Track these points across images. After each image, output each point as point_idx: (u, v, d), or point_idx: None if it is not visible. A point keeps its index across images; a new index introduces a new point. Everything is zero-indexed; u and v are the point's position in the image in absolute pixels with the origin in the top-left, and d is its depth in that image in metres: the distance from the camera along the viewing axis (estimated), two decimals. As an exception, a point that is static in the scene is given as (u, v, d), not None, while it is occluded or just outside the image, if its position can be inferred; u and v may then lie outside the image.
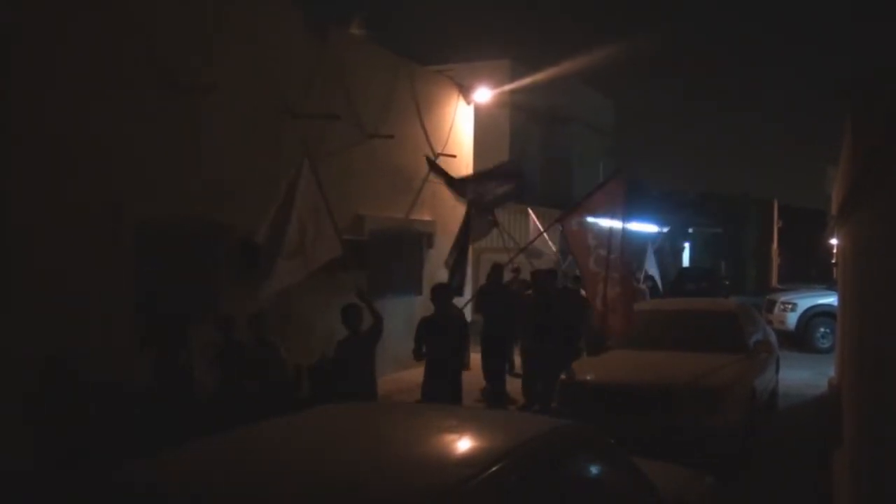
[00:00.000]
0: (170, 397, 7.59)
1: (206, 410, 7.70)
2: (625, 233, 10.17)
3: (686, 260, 41.68)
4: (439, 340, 9.03)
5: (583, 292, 11.84)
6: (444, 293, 9.48)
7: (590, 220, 10.23)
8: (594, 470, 3.75)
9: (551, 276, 12.42)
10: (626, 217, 10.24)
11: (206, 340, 8.45)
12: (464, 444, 3.48)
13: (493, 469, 3.00)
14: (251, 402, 7.61)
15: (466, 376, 9.70)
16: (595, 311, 9.86)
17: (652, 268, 22.18)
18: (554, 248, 17.36)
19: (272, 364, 8.31)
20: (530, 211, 18.27)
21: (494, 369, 12.23)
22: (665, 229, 32.15)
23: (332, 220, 8.85)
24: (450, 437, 3.55)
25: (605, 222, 10.32)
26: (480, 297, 12.98)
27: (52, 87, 8.38)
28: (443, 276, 13.31)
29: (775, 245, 56.76)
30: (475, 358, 12.69)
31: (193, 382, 8.06)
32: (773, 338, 12.42)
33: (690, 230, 40.86)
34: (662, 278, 23.65)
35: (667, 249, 33.94)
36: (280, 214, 8.56)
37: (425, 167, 15.82)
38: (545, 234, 14.13)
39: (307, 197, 8.67)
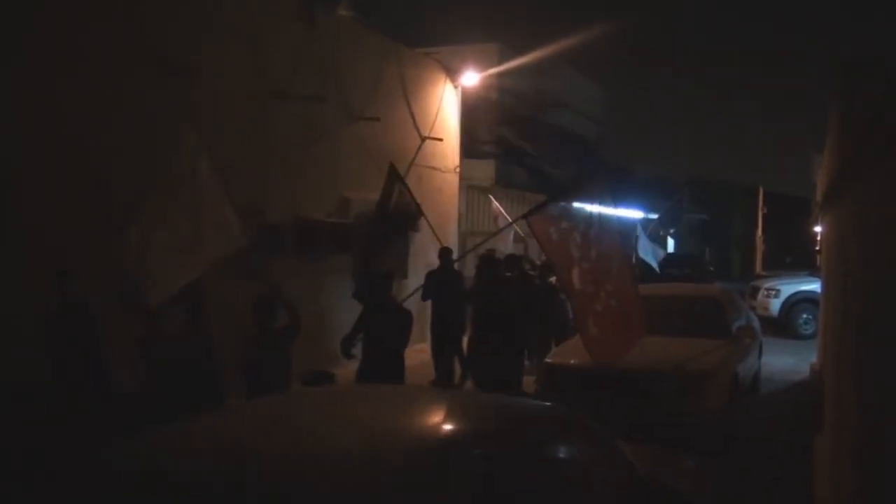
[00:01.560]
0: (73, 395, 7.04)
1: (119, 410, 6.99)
2: (612, 230, 9.02)
3: (671, 246, 41.74)
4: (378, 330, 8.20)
5: (553, 279, 11.76)
6: (381, 282, 8.57)
7: (569, 224, 8.61)
8: (576, 452, 3.77)
9: (495, 262, 11.53)
10: (613, 205, 9.28)
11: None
12: (445, 427, 3.48)
13: (475, 451, 3.01)
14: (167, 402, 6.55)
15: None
16: (586, 337, 8.28)
17: (646, 254, 21.99)
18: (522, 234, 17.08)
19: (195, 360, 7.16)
20: (492, 198, 18.18)
21: (443, 356, 11.65)
22: (654, 216, 32.14)
23: (232, 208, 7.93)
24: (432, 420, 3.55)
25: (590, 223, 8.81)
26: (428, 282, 12.11)
27: (34, 67, 8.31)
28: (431, 260, 13.30)
29: (760, 232, 57.00)
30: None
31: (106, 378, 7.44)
32: (756, 323, 12.48)
33: (657, 215, 40.84)
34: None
35: (657, 236, 33.94)
36: (162, 208, 7.49)
37: (412, 150, 15.82)
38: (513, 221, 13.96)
39: (198, 184, 7.64)
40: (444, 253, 12.31)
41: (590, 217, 8.82)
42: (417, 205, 11.95)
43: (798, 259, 52.49)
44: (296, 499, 2.66)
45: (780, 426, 10.22)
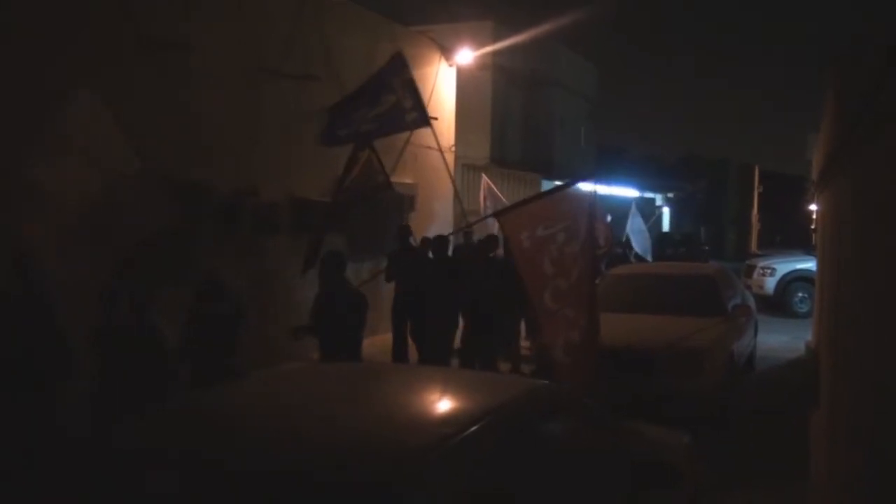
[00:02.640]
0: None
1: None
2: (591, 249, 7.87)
3: (666, 225, 41.83)
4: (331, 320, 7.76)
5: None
6: (333, 263, 7.90)
7: (547, 232, 7.46)
8: (572, 430, 3.77)
9: (443, 240, 10.90)
10: (591, 235, 7.87)
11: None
12: (442, 405, 3.48)
13: (472, 429, 3.00)
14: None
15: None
16: (556, 363, 7.38)
17: (636, 234, 21.77)
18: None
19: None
20: (484, 177, 18.03)
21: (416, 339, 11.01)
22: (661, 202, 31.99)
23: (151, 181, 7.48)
24: (429, 398, 3.55)
25: (575, 234, 7.60)
26: (390, 263, 11.56)
27: (19, 39, 8.23)
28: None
29: (755, 210, 57.08)
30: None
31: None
32: (751, 302, 12.52)
33: (670, 195, 40.93)
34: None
35: (655, 216, 33.86)
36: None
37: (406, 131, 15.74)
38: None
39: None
40: (403, 232, 11.76)
41: (574, 224, 7.53)
42: (385, 175, 11.00)
43: (789, 238, 52.70)
44: (306, 476, 2.66)
45: (775, 403, 10.26)
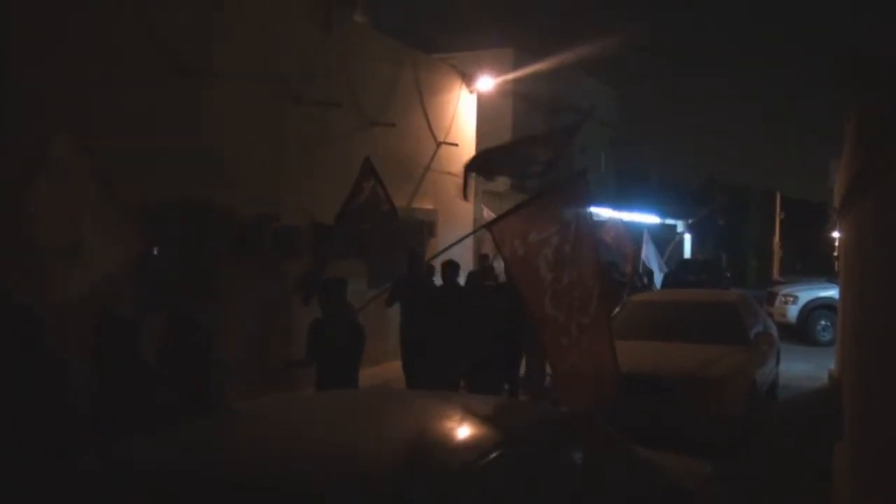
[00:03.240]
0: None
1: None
2: (590, 245, 7.43)
3: (687, 251, 41.62)
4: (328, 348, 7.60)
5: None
6: (333, 290, 7.79)
7: (540, 237, 7.11)
8: (591, 457, 3.74)
9: (453, 266, 10.65)
10: (590, 223, 7.55)
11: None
12: (462, 431, 3.47)
13: (491, 455, 2.99)
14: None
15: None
16: (559, 376, 7.18)
17: (652, 261, 21.74)
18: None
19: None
20: (483, 206, 17.94)
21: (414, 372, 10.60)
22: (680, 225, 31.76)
23: (117, 209, 7.24)
24: (448, 424, 3.54)
25: (565, 236, 7.22)
26: (393, 288, 11.06)
27: (50, 67, 8.34)
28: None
29: (777, 237, 56.71)
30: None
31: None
32: (774, 330, 12.43)
33: (690, 221, 40.71)
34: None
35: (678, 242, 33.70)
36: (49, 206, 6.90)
37: (428, 156, 15.83)
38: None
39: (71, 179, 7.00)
40: (412, 258, 11.33)
41: (566, 226, 7.18)
42: (391, 204, 10.78)
43: (809, 265, 52.29)
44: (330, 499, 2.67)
45: (797, 433, 10.15)
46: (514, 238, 7.09)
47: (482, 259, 13.57)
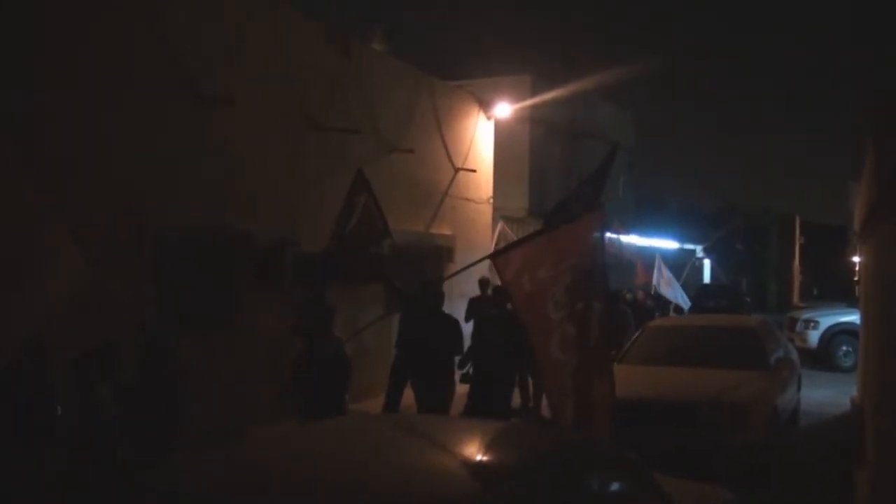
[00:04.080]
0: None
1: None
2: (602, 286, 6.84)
3: (706, 276, 41.45)
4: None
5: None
6: (321, 318, 7.68)
7: (550, 273, 6.51)
8: (612, 484, 3.73)
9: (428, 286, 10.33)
10: (602, 270, 6.87)
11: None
12: (480, 456, 3.46)
13: (509, 481, 2.99)
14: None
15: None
16: (562, 420, 6.52)
17: (665, 286, 21.50)
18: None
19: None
20: (501, 222, 17.96)
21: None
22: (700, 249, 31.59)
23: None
24: (466, 449, 3.53)
25: (575, 276, 6.57)
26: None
27: (74, 96, 8.45)
28: (470, 289, 13.24)
29: (797, 262, 56.40)
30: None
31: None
32: (794, 355, 12.33)
33: (706, 245, 40.56)
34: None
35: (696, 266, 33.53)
36: None
37: (446, 182, 15.87)
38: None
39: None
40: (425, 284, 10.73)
41: (579, 264, 6.56)
42: (384, 221, 10.26)
43: (827, 290, 51.90)
44: None
45: (820, 460, 10.05)
46: (521, 272, 6.53)
47: (482, 285, 13.25)
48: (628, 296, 18.09)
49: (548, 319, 6.46)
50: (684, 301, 21.66)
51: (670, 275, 21.90)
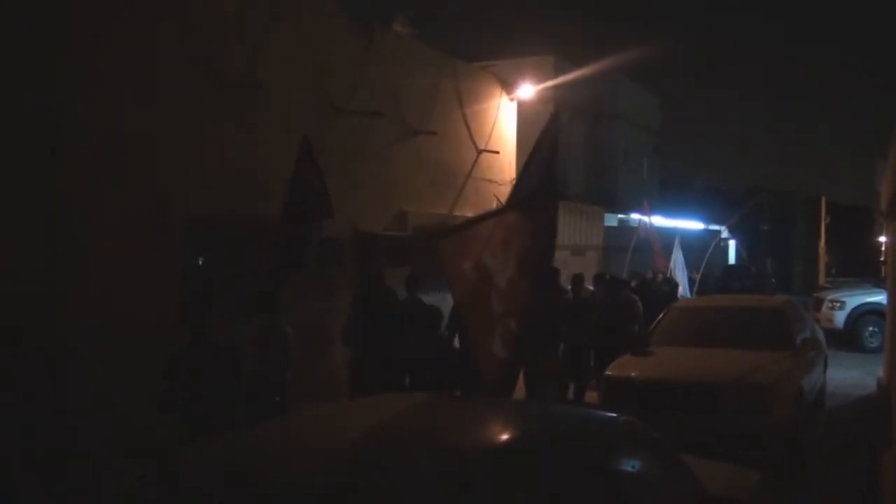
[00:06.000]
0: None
1: None
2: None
3: (732, 257, 41.22)
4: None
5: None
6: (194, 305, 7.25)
7: (496, 262, 6.05)
8: (639, 463, 3.76)
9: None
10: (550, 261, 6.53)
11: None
12: (511, 435, 3.50)
13: (543, 460, 3.03)
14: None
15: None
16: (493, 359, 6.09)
17: (678, 269, 21.36)
18: None
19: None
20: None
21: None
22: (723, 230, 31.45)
23: None
24: (494, 428, 3.57)
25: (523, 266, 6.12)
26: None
27: (99, 83, 8.51)
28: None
29: (822, 242, 55.93)
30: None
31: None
32: (821, 336, 12.27)
33: (728, 223, 40.30)
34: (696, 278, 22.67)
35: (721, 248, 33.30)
36: None
37: (468, 163, 15.87)
38: None
39: None
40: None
41: (531, 250, 6.07)
42: (326, 194, 9.48)
43: (849, 271, 51.50)
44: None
45: (845, 441, 10.03)
46: (464, 258, 6.05)
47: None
48: (648, 276, 18.04)
49: (489, 313, 5.98)
50: (685, 289, 21.53)
51: (682, 259, 21.81)
